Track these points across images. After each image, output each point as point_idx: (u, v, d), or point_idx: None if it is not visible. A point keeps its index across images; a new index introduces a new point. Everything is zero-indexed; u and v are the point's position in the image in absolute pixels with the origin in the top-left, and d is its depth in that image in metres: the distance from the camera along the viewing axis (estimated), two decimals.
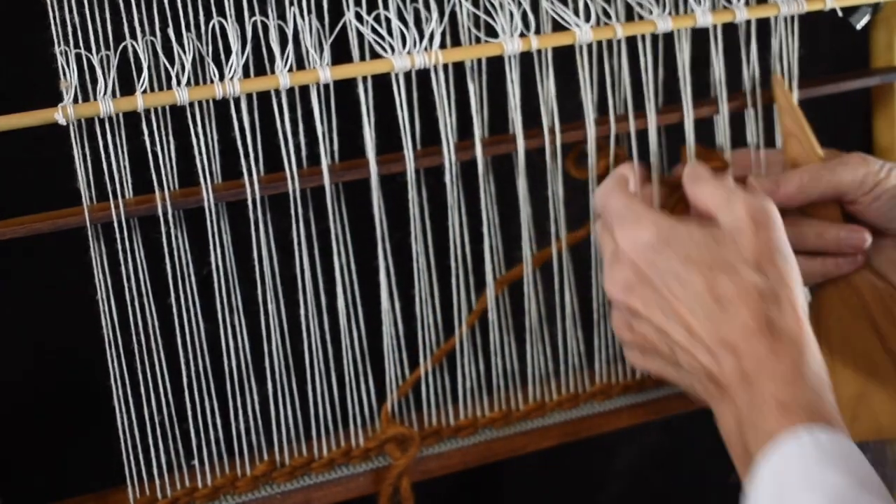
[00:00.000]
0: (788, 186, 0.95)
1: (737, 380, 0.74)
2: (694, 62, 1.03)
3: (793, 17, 1.04)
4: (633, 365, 0.92)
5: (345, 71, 0.93)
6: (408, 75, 0.97)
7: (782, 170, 1.00)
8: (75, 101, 0.87)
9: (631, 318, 0.83)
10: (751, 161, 1.04)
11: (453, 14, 0.97)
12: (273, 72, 0.92)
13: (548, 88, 1.01)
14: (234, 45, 0.90)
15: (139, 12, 0.89)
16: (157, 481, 0.97)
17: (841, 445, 0.69)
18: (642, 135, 1.03)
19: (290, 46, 0.92)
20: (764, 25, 1.05)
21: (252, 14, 0.91)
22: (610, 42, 1.01)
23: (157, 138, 0.91)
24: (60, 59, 0.87)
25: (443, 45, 0.96)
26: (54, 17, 0.86)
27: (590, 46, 1.01)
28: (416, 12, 0.95)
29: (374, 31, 0.94)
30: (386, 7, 0.94)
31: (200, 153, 0.92)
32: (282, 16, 0.92)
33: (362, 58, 0.96)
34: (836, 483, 0.66)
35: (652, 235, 0.79)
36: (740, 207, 0.80)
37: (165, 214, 0.92)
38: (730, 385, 0.75)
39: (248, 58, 0.91)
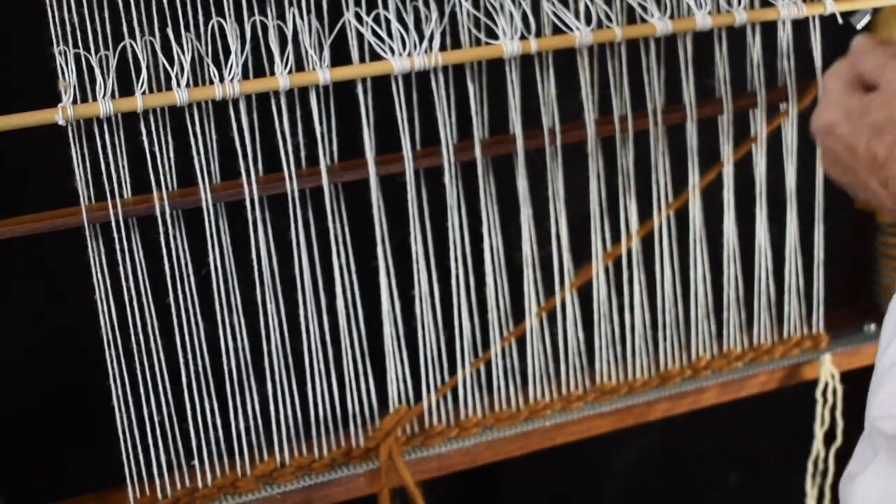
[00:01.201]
0: None
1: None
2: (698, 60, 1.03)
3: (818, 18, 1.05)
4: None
5: (344, 73, 0.93)
6: (407, 76, 0.96)
7: None
8: (74, 101, 0.87)
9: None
10: None
11: (453, 14, 0.97)
12: (272, 72, 0.92)
13: (548, 90, 1.01)
14: (234, 45, 0.90)
15: (138, 12, 0.89)
16: (157, 481, 0.97)
17: None
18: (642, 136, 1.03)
19: (290, 47, 0.92)
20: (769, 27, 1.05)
21: (251, 14, 0.91)
22: (612, 43, 1.01)
23: (155, 138, 0.91)
24: (59, 60, 0.87)
25: (443, 47, 0.96)
26: (53, 17, 0.86)
27: (591, 47, 1.01)
28: (416, 12, 0.95)
29: (373, 32, 0.94)
30: (386, 7, 0.94)
31: (199, 153, 0.92)
32: (281, 16, 0.92)
33: (362, 58, 0.96)
34: None
35: (831, 118, 0.87)
36: (891, 71, 0.85)
37: (164, 214, 0.92)
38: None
39: (247, 58, 0.91)
